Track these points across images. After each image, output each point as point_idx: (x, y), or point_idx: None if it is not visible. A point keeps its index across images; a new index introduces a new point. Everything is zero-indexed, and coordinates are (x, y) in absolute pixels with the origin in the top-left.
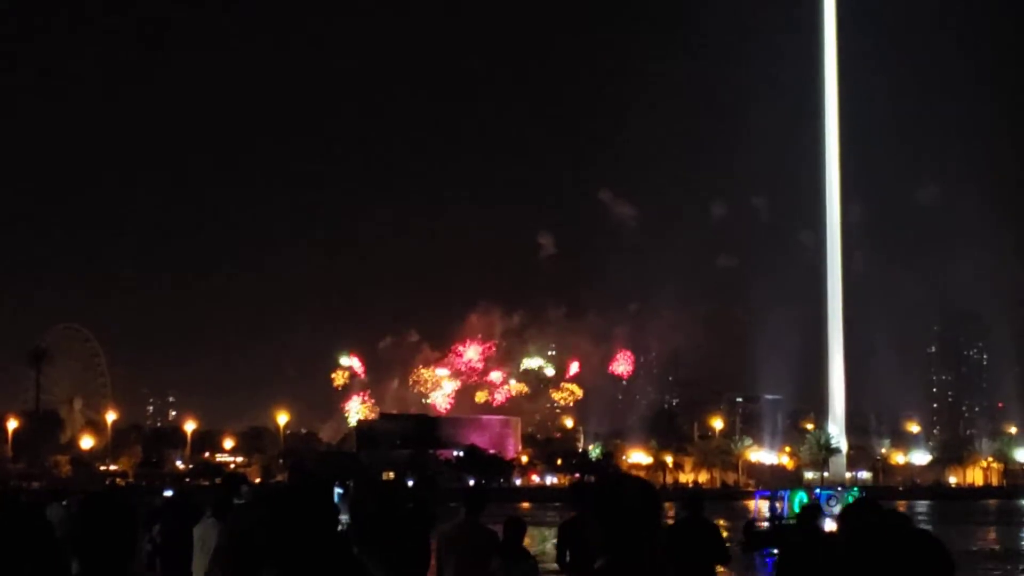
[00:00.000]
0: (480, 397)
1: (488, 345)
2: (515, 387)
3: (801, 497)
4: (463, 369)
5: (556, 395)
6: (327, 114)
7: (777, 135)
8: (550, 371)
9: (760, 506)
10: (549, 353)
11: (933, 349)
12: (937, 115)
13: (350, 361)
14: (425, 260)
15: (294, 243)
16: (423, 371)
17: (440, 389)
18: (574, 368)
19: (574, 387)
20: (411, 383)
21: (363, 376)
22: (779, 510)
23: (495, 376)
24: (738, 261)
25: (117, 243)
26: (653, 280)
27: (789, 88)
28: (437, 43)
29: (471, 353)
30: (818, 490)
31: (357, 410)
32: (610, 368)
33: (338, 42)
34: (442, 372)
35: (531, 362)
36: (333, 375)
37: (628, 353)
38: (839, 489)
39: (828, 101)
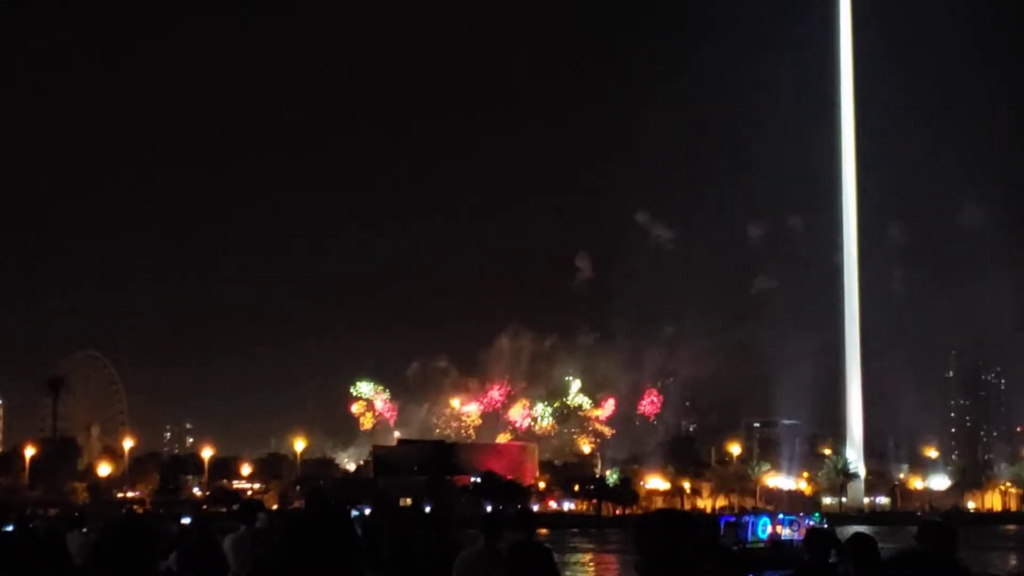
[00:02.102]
0: (503, 438)
1: (507, 390)
2: (543, 426)
3: (765, 522)
4: (488, 404)
5: (580, 415)
6: (350, 132)
7: (807, 159)
8: (587, 403)
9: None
10: (569, 379)
11: (951, 374)
12: (959, 141)
13: (369, 389)
14: (455, 282)
15: (317, 267)
16: (450, 404)
17: (465, 420)
18: (609, 406)
19: (605, 429)
20: (438, 415)
21: (385, 411)
22: (744, 534)
23: (515, 413)
24: (775, 283)
25: (135, 273)
26: (685, 304)
27: (807, 116)
28: (476, 66)
29: (495, 394)
30: (781, 515)
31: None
32: (639, 407)
33: (365, 60)
34: (469, 409)
35: (574, 399)
36: (353, 406)
37: (655, 392)
38: (800, 515)
39: (845, 140)
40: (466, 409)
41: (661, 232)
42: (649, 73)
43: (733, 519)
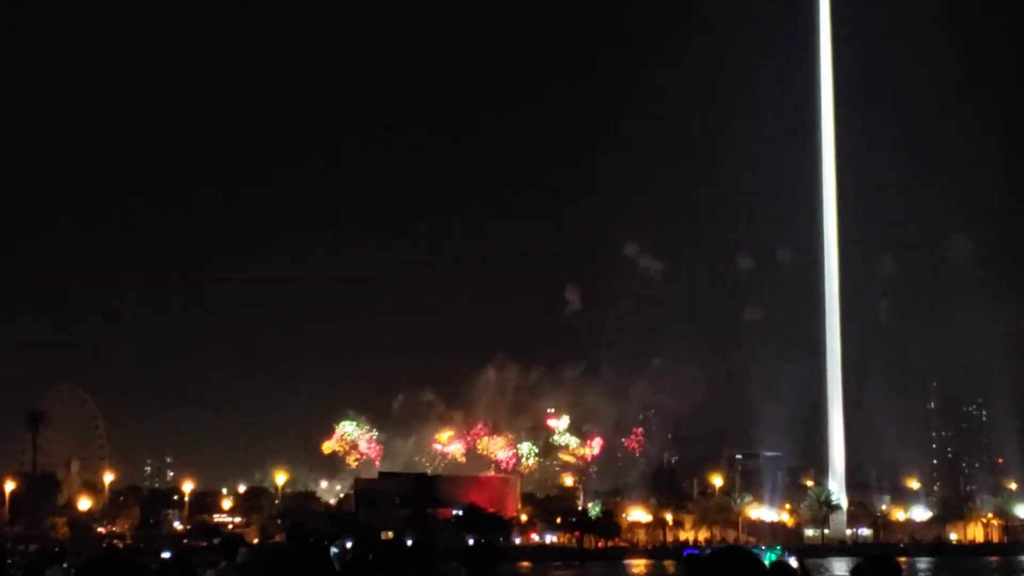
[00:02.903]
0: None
1: (491, 427)
2: (527, 465)
3: None
4: (472, 441)
5: (565, 457)
6: (333, 164)
7: (792, 191)
8: (574, 443)
9: None
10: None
11: (932, 405)
12: (943, 173)
13: (353, 428)
14: (441, 313)
15: (300, 299)
16: (437, 438)
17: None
18: (596, 444)
19: (591, 466)
20: (422, 449)
21: (370, 452)
22: None
23: (498, 449)
24: (762, 315)
25: (114, 306)
26: (672, 336)
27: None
28: (457, 91)
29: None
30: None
31: (338, 446)
32: (626, 443)
33: (344, 88)
34: (454, 448)
35: (561, 439)
36: (334, 443)
37: (639, 431)
38: (762, 548)
39: (826, 172)
40: (450, 449)
41: (650, 264)
42: (637, 105)
43: (697, 552)
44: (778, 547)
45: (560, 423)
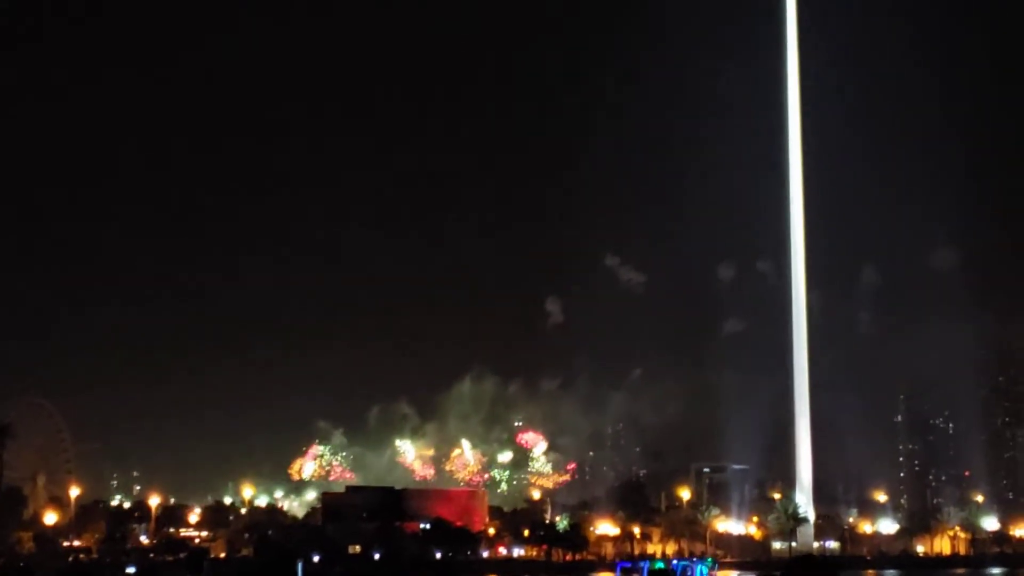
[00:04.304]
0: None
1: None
2: (503, 490)
3: (658, 566)
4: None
5: (541, 482)
6: (311, 175)
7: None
8: (548, 469)
9: None
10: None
11: (899, 418)
12: (908, 185)
13: (325, 451)
14: (417, 324)
15: (270, 311)
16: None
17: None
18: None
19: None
20: (393, 463)
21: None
22: None
23: (469, 463)
24: (737, 329)
25: (80, 320)
26: (648, 348)
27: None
28: (438, 105)
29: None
30: (675, 561)
31: (310, 473)
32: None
33: (344, 100)
34: (426, 472)
35: (537, 464)
36: (295, 464)
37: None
38: (693, 560)
39: (793, 195)
40: (422, 472)
41: (631, 276)
42: (614, 115)
43: (629, 565)
44: (710, 559)
45: (537, 449)
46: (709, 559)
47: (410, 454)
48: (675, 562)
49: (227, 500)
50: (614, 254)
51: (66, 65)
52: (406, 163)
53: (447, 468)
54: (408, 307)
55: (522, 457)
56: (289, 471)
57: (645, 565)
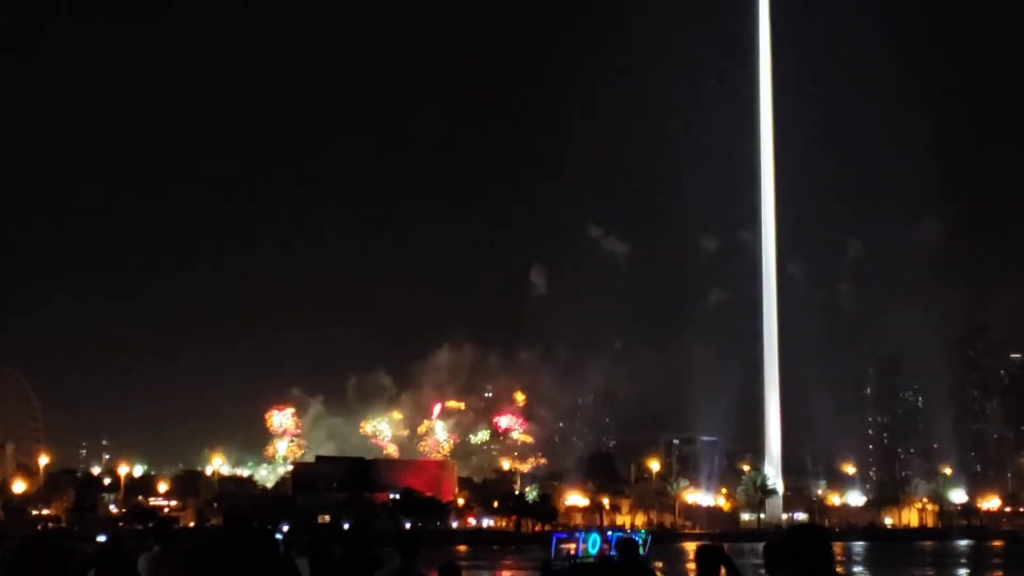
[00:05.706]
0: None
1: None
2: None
3: (595, 538)
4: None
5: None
6: (289, 145)
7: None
8: (484, 436)
9: (564, 547)
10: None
11: (868, 391)
12: (871, 165)
13: (281, 417)
14: (397, 293)
15: (245, 278)
16: (372, 422)
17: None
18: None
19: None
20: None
21: (295, 431)
22: (574, 551)
23: (442, 436)
24: (716, 301)
25: (50, 287)
26: (626, 320)
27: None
28: (424, 80)
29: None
30: (610, 532)
31: (284, 452)
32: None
33: (333, 91)
34: (390, 447)
35: (477, 437)
36: (267, 421)
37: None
38: (628, 531)
39: (764, 165)
40: (385, 445)
41: (615, 246)
42: (599, 91)
43: (565, 535)
44: (642, 531)
45: (514, 433)
46: (643, 531)
47: (386, 433)
48: (610, 533)
49: (201, 469)
50: (597, 224)
51: (66, 65)
52: (388, 132)
53: (420, 447)
54: (389, 280)
55: (498, 443)
56: (265, 453)
57: (581, 535)
